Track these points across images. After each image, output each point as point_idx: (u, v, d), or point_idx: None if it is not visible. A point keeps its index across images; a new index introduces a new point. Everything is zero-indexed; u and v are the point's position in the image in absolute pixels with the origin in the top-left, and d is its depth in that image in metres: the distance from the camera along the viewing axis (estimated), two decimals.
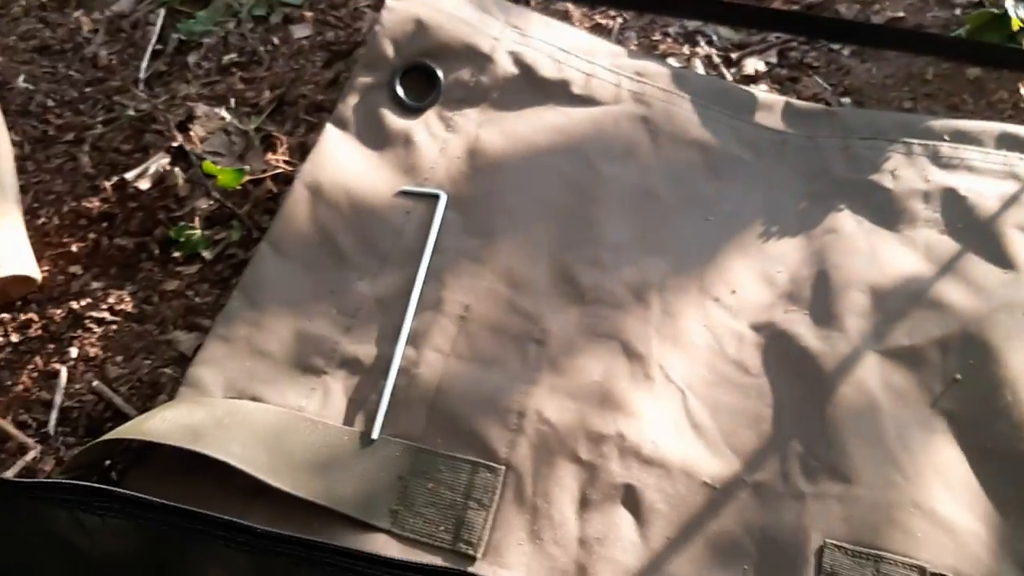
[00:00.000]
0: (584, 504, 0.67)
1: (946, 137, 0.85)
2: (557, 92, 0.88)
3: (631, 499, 0.67)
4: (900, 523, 0.63)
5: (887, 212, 0.81)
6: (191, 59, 0.96)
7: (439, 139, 0.86)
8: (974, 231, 0.78)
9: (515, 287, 0.77)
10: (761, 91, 0.91)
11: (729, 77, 0.95)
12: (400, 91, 0.86)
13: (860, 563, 0.62)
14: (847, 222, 0.81)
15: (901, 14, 0.97)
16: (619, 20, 0.99)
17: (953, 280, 0.76)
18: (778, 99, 0.90)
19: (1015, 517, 0.64)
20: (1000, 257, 0.76)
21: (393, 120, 0.86)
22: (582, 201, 0.82)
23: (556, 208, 0.82)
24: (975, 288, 0.75)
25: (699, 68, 0.95)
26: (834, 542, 0.63)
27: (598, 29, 0.98)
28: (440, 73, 0.88)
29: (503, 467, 0.68)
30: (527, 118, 0.87)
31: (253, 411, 0.70)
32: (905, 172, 0.83)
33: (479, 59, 0.89)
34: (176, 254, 0.81)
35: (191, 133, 0.87)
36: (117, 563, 0.53)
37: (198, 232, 0.80)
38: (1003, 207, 0.79)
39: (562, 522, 0.66)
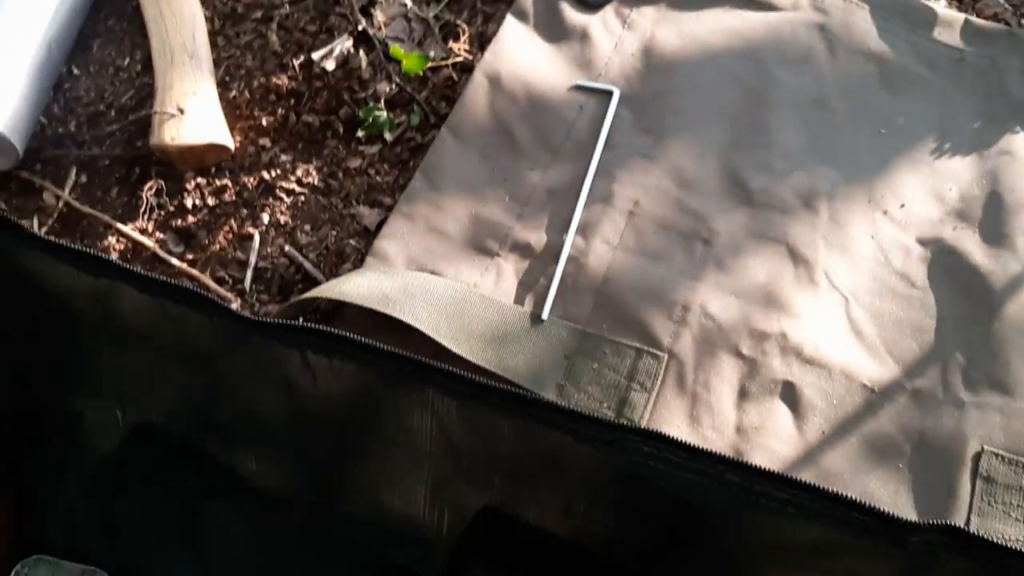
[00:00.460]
0: (743, 395, 0.70)
1: None
2: None
3: (790, 394, 0.70)
4: None
5: None
6: None
7: (615, 35, 0.87)
8: None
9: (684, 186, 0.80)
10: (941, 7, 0.90)
11: None
12: None
13: (1016, 471, 0.64)
14: (1022, 144, 0.80)
15: None
16: None
17: None
18: (958, 16, 0.89)
19: None
20: None
21: (571, 14, 0.88)
22: (755, 105, 0.83)
23: (728, 111, 0.83)
24: None
25: None
26: (993, 449, 0.65)
27: None
28: None
29: (666, 355, 0.72)
30: (704, 19, 0.88)
31: (435, 284, 0.74)
32: None
33: None
34: (359, 134, 0.85)
35: (374, 17, 0.90)
36: (334, 402, 0.59)
37: (384, 114, 0.84)
38: None
39: (720, 410, 0.70)
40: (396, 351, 0.55)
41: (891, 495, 0.64)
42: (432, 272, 0.76)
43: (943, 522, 0.46)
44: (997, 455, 0.65)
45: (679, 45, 0.86)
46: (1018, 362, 0.68)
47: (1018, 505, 0.63)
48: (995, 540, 0.46)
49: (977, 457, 0.65)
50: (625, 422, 0.68)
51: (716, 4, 0.88)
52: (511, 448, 0.56)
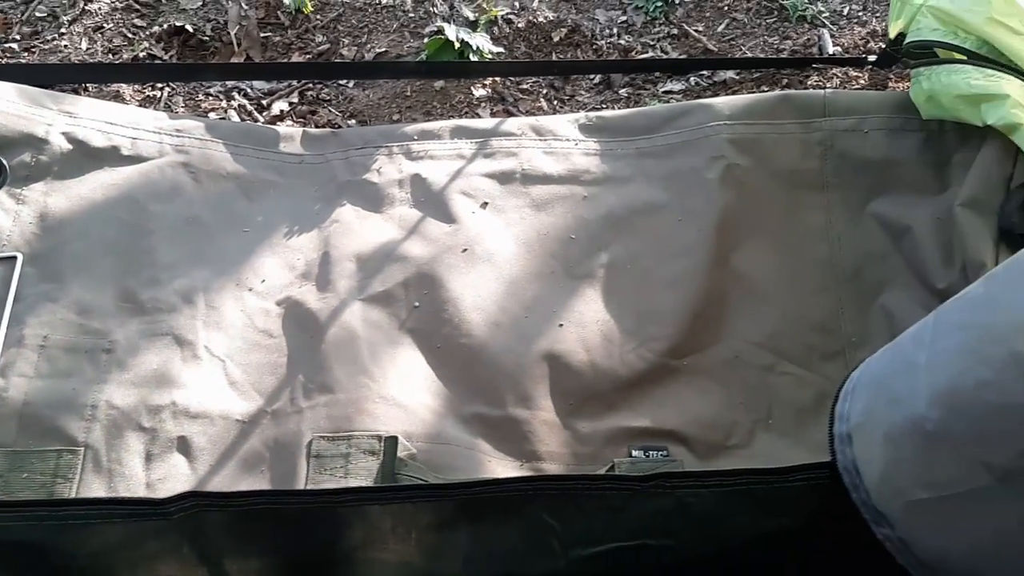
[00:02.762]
0: (148, 458, 0.88)
1: (415, 137, 1.13)
2: (109, 157, 1.09)
3: (184, 446, 0.88)
4: (367, 411, 0.89)
5: (375, 200, 1.08)
6: None
7: (11, 212, 1.04)
8: (431, 201, 1.07)
9: (85, 313, 0.97)
10: (285, 126, 1.17)
11: (261, 120, 1.19)
12: None
13: (336, 443, 0.87)
14: (347, 213, 1.07)
15: (385, 49, 1.26)
16: (167, 90, 1.21)
17: (415, 239, 1.03)
18: (297, 130, 1.16)
19: (454, 389, 0.92)
20: (447, 216, 1.05)
21: None
22: (138, 236, 1.03)
23: (115, 246, 1.02)
24: (428, 241, 1.03)
25: (235, 116, 1.19)
26: (320, 434, 0.87)
27: (150, 100, 1.20)
28: (3, 160, 1.06)
29: (82, 448, 0.87)
30: (86, 181, 1.07)
31: None
32: (387, 168, 1.10)
33: (37, 143, 1.08)
34: None
35: None
36: None
37: None
38: (450, 180, 1.08)
39: (132, 475, 0.86)
40: None
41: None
42: None
43: (186, 491, 0.66)
44: (324, 437, 0.87)
45: (69, 206, 1.05)
46: (338, 368, 0.92)
47: (339, 467, 0.85)
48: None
49: (310, 444, 0.87)
50: None
51: (95, 167, 1.08)
52: None
